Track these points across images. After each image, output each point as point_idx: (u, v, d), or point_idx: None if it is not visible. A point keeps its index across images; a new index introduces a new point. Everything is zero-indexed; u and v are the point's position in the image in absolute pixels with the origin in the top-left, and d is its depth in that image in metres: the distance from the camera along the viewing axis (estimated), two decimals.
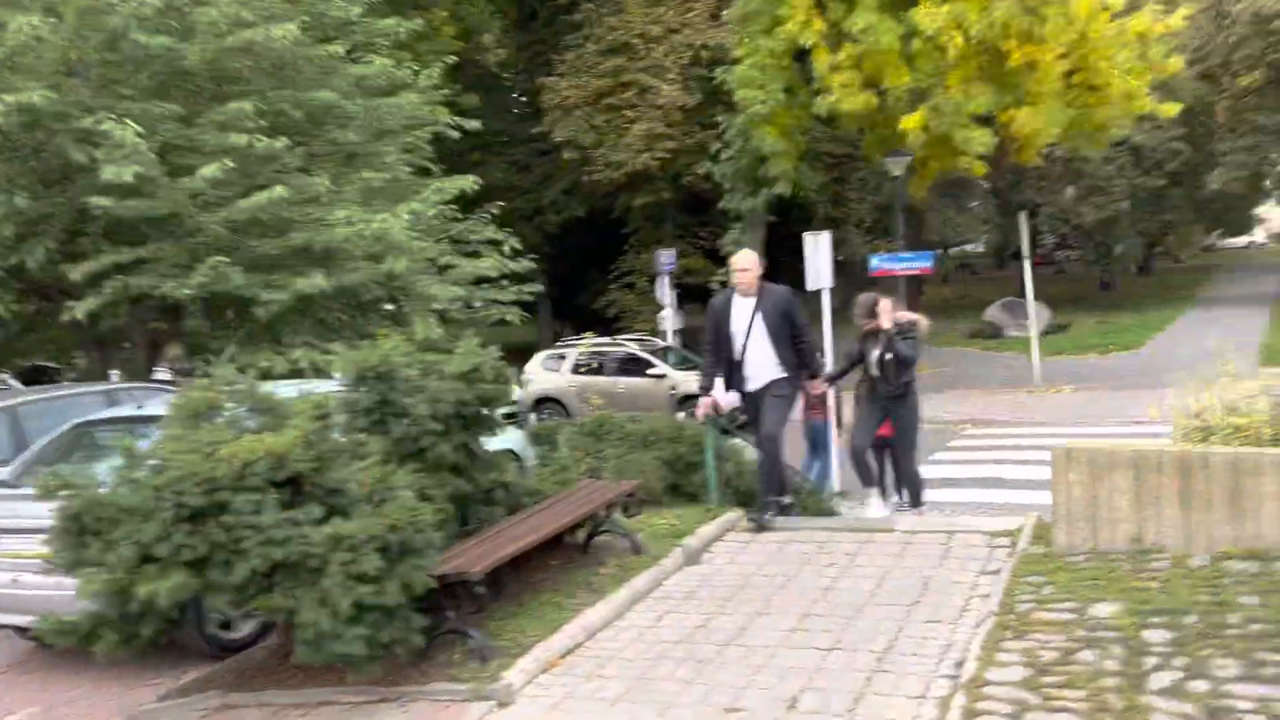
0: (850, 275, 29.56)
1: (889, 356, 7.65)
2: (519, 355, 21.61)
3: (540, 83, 23.40)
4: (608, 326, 26.45)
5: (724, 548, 6.80)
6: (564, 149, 22.99)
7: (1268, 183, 42.27)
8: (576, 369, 18.34)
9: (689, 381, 16.88)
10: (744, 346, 7.27)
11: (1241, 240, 77.69)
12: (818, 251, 11.62)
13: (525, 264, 13.95)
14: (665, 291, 21.10)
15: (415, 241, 10.95)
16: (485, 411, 5.83)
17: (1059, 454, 5.70)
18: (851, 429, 8.37)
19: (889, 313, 7.74)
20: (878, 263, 18.07)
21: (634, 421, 9.76)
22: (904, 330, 7.71)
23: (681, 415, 13.20)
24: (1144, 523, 5.48)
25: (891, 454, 10.88)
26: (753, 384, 7.40)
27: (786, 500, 7.46)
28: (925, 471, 13.94)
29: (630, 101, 21.63)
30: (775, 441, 7.30)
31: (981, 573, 5.74)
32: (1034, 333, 21.13)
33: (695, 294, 25.14)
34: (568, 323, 34.69)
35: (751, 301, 7.21)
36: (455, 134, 13.38)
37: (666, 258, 20.97)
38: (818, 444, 11.79)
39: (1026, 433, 15.88)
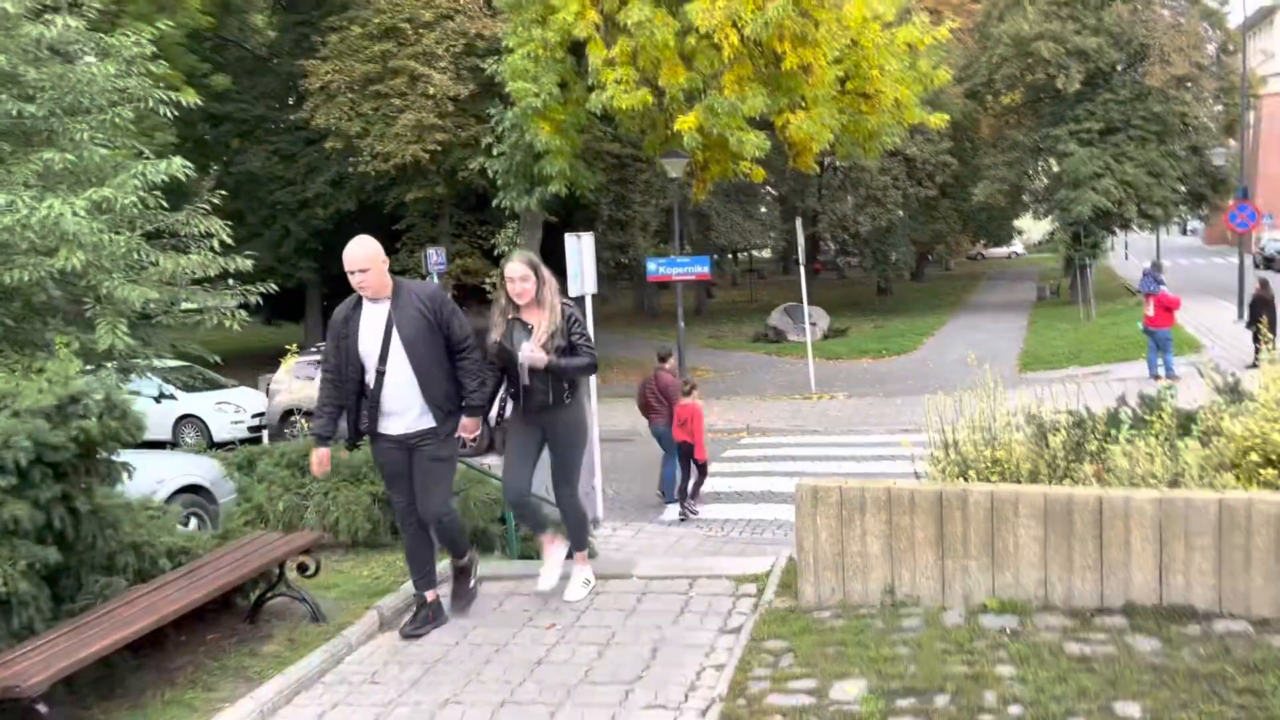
0: (639, 279, 29.09)
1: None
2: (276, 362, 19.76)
3: (301, 65, 21.56)
4: None
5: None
6: (327, 137, 21.26)
7: (1026, 196, 44.96)
8: None
9: None
10: (379, 375, 5.07)
11: (1004, 250, 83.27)
12: (581, 253, 10.73)
13: (243, 261, 12.35)
14: None
15: (103, 234, 9.27)
16: (98, 455, 4.51)
17: (804, 493, 4.97)
18: (504, 468, 5.70)
19: (554, 292, 5.43)
20: (655, 267, 17.48)
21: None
22: (571, 322, 5.41)
23: None
24: (898, 571, 4.81)
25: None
26: (395, 427, 5.15)
27: (463, 562, 5.52)
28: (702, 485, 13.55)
29: (399, 89, 20.18)
30: (448, 523, 5.30)
31: (722, 630, 4.95)
32: (809, 340, 21.13)
33: (475, 295, 23.92)
34: None
35: (384, 309, 5.15)
36: (173, 112, 11.58)
37: (436, 257, 19.69)
38: (665, 446, 12.23)
39: (799, 441, 15.64)
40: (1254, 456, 4.52)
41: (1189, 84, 36.36)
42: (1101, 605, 4.46)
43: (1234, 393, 6.03)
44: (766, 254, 73.70)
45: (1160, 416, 5.30)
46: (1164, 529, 4.34)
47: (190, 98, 20.88)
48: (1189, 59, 35.78)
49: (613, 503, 12.72)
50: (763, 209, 50.22)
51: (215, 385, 18.96)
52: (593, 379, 11.22)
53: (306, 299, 30.32)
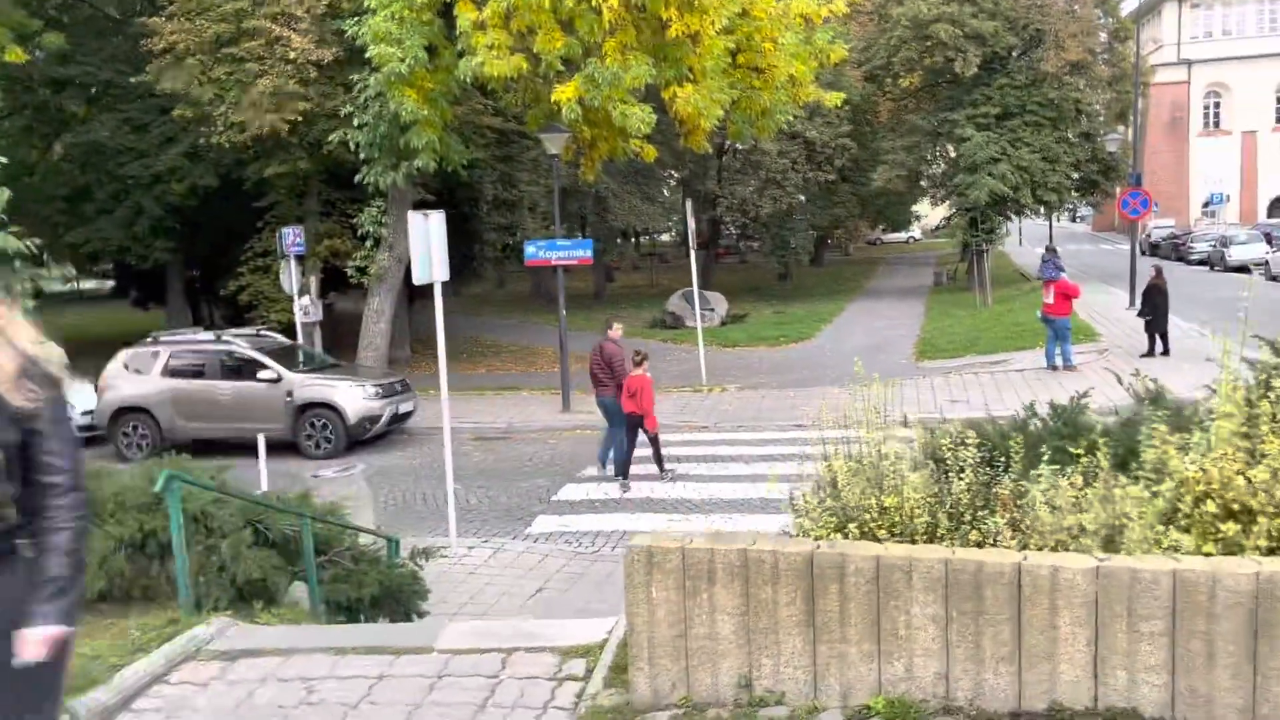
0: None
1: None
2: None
3: (143, 23, 19.50)
4: (242, 316, 22.96)
5: (167, 696, 4.39)
6: (175, 105, 19.27)
7: (924, 181, 44.78)
8: (170, 371, 15.03)
9: (312, 386, 14.18)
10: None
11: (902, 235, 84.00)
12: (429, 234, 9.36)
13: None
14: (292, 276, 18.10)
15: None
16: None
17: (636, 558, 3.77)
18: None
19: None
20: (534, 250, 16.17)
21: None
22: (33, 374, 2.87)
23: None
24: (756, 659, 3.65)
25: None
26: None
27: None
28: (576, 491, 12.32)
29: (256, 53, 18.33)
30: None
31: None
32: (699, 327, 20.04)
33: (344, 279, 22.23)
34: (219, 310, 30.46)
35: None
36: None
37: (294, 236, 17.98)
38: (610, 418, 12.24)
39: (685, 440, 14.54)
40: (1210, 506, 3.47)
41: (1082, 70, 36.42)
42: (1019, 708, 3.38)
43: (1158, 403, 5.05)
44: (669, 237, 73.00)
45: (1087, 444, 4.25)
46: (1101, 608, 3.27)
47: (15, 57, 18.94)
48: (1083, 45, 35.83)
49: (474, 513, 11.41)
50: (665, 192, 49.23)
51: None
52: (442, 367, 9.94)
53: (168, 281, 28.11)
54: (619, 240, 45.97)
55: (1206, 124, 61.75)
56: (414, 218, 9.29)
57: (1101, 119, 37.94)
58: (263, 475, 9.85)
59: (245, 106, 18.32)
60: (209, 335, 15.43)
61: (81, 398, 15.76)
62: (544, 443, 15.10)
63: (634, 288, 50.77)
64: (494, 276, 42.36)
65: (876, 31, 38.90)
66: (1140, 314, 19.24)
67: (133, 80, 20.11)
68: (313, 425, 14.53)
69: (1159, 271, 19.33)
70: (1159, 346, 18.44)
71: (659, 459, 12.17)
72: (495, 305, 43.66)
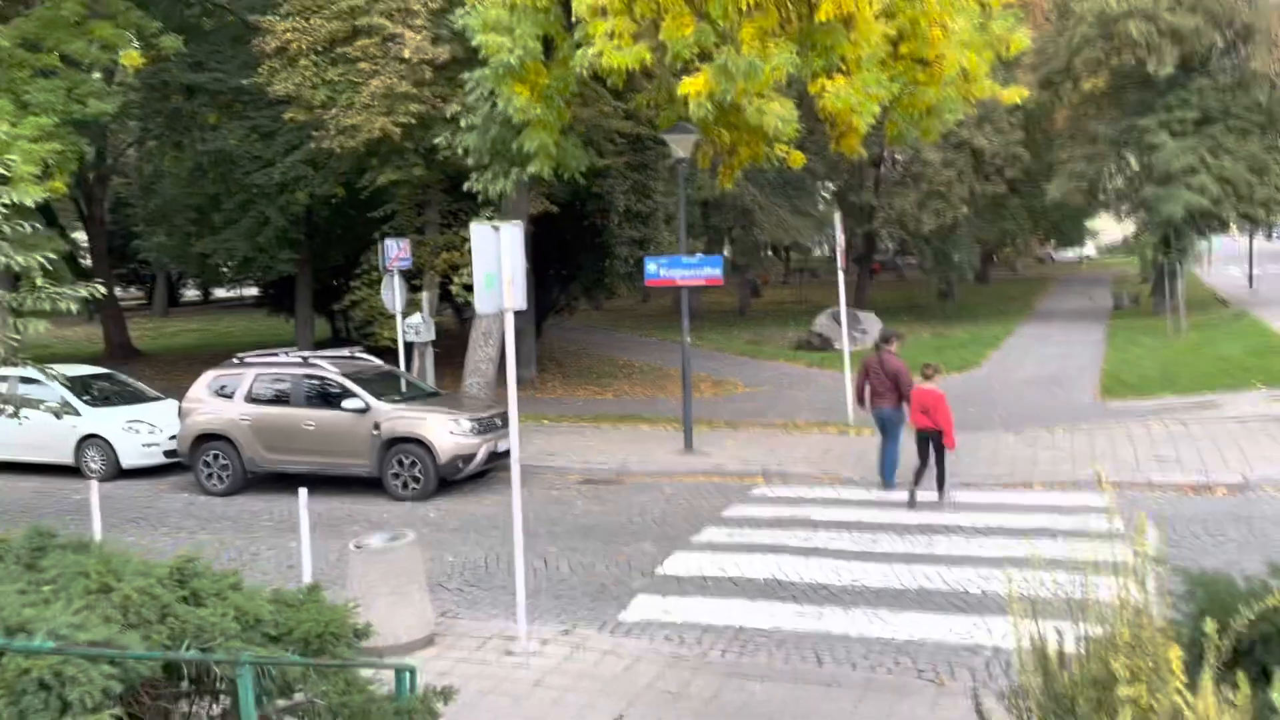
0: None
1: None
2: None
3: (256, 22, 18.53)
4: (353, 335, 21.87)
5: None
6: (288, 107, 18.21)
7: (1103, 194, 40.67)
8: (253, 397, 13.71)
9: (401, 419, 12.58)
10: None
11: (1074, 253, 78.33)
12: (499, 251, 7.46)
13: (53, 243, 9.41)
14: (395, 293, 16.65)
15: None
16: None
17: None
18: None
19: None
20: (655, 269, 14.19)
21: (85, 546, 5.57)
22: None
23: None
24: None
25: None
26: None
27: None
28: (688, 563, 10.22)
29: (370, 52, 17.07)
30: None
31: None
32: (846, 353, 17.60)
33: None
34: (352, 324, 29.81)
35: None
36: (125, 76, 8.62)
37: (398, 250, 16.55)
38: (887, 430, 12.25)
39: (825, 498, 12.21)
40: None
41: None
42: None
43: None
44: (821, 252, 70.06)
45: None
46: None
47: (131, 61, 18.25)
48: None
49: (562, 586, 9.44)
50: (820, 205, 46.67)
51: (137, 398, 16.04)
52: (512, 405, 8.05)
53: (296, 292, 27.48)
54: (765, 254, 43.57)
55: None
56: (479, 231, 7.42)
57: None
58: (305, 544, 8.16)
59: (357, 109, 17.05)
60: (296, 358, 14.05)
61: (167, 420, 14.70)
62: (658, 490, 13.05)
63: (780, 304, 48.29)
64: (636, 291, 40.74)
65: (1054, 31, 35.37)
66: None
67: (245, 83, 19.20)
68: (400, 463, 12.92)
69: None
70: None
71: (941, 480, 11.61)
72: (635, 321, 42.03)
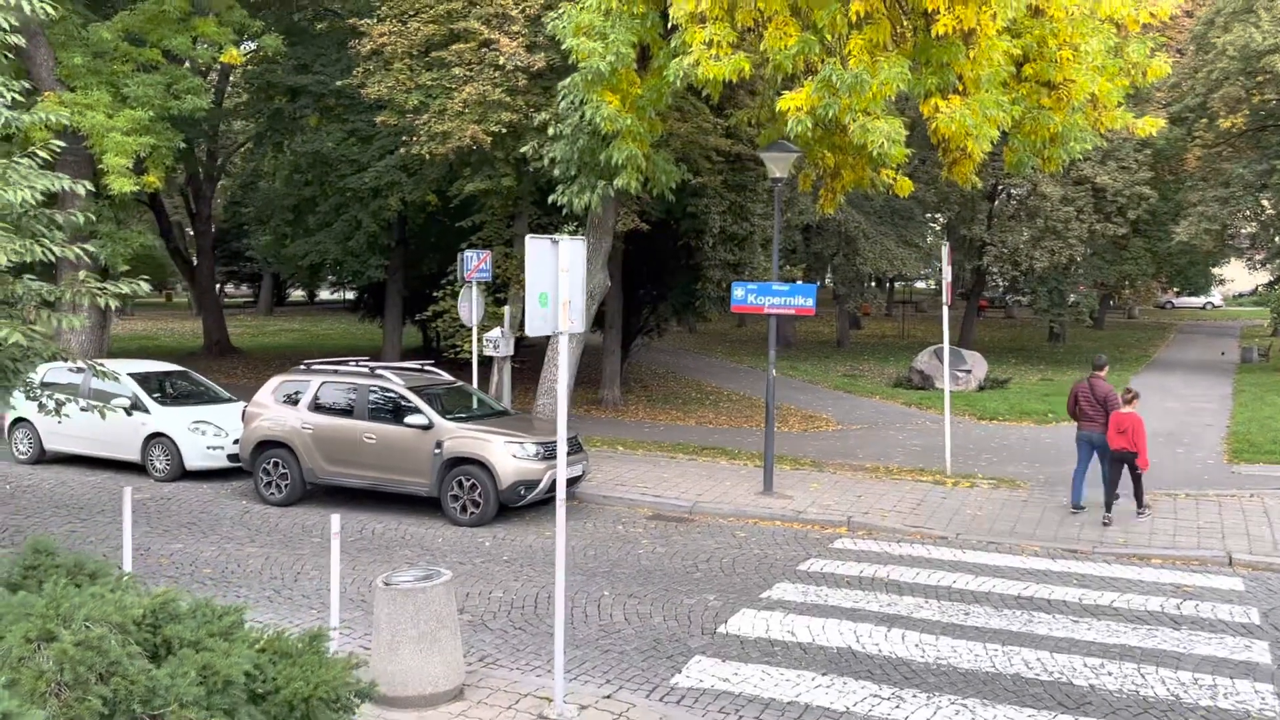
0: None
1: None
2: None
3: (353, 24, 18.27)
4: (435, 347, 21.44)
5: None
6: (381, 111, 17.90)
7: (1235, 240, 38.19)
8: (317, 406, 13.23)
9: (464, 438, 11.94)
10: None
11: (1198, 300, 74.48)
12: (557, 268, 6.70)
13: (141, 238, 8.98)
14: (473, 306, 16.08)
15: None
16: None
17: None
18: None
19: None
20: (742, 294, 13.28)
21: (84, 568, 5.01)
22: None
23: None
24: None
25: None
26: None
27: None
28: (754, 623, 9.36)
29: (465, 58, 16.61)
30: None
31: None
32: (947, 395, 16.36)
33: None
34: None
35: None
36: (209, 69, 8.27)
37: (477, 261, 15.98)
38: (1093, 453, 12.85)
39: (914, 556, 11.09)
40: None
41: None
42: None
43: None
44: (927, 285, 68.03)
45: None
46: None
47: (231, 58, 18.17)
48: None
49: (614, 639, 8.57)
50: (928, 237, 45.06)
51: (208, 398, 15.78)
52: (561, 439, 7.23)
53: (386, 299, 27.34)
54: (868, 284, 42.12)
55: None
56: (535, 245, 6.65)
57: None
58: (335, 577, 7.48)
59: (450, 115, 16.59)
60: (363, 367, 13.54)
61: (234, 423, 14.36)
62: (731, 534, 12.09)
63: (882, 337, 46.75)
64: (728, 315, 39.85)
65: (1191, 65, 33.34)
66: None
67: (338, 84, 18.99)
68: (460, 484, 12.25)
69: None
70: None
71: (1139, 495, 12.63)
72: (728, 346, 41.05)
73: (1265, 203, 33.78)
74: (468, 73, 16.58)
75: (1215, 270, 57.69)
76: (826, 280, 42.69)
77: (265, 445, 13.27)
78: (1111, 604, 9.41)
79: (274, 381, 13.77)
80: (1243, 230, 37.32)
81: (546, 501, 12.87)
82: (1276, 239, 32.59)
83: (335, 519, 7.69)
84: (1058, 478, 15.72)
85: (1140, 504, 12.65)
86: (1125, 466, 12.38)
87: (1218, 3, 33.02)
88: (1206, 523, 12.32)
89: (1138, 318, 62.82)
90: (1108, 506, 12.50)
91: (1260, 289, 41.50)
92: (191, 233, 34.83)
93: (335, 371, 13.50)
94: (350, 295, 41.43)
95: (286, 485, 13.13)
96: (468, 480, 12.23)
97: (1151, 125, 14.19)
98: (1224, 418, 23.13)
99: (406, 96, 17.19)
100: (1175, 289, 67.14)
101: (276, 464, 13.16)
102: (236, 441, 14.03)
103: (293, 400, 13.39)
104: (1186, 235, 33.66)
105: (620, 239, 19.20)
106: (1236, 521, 12.30)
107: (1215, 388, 29.20)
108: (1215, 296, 76.60)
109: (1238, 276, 64.75)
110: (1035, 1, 12.48)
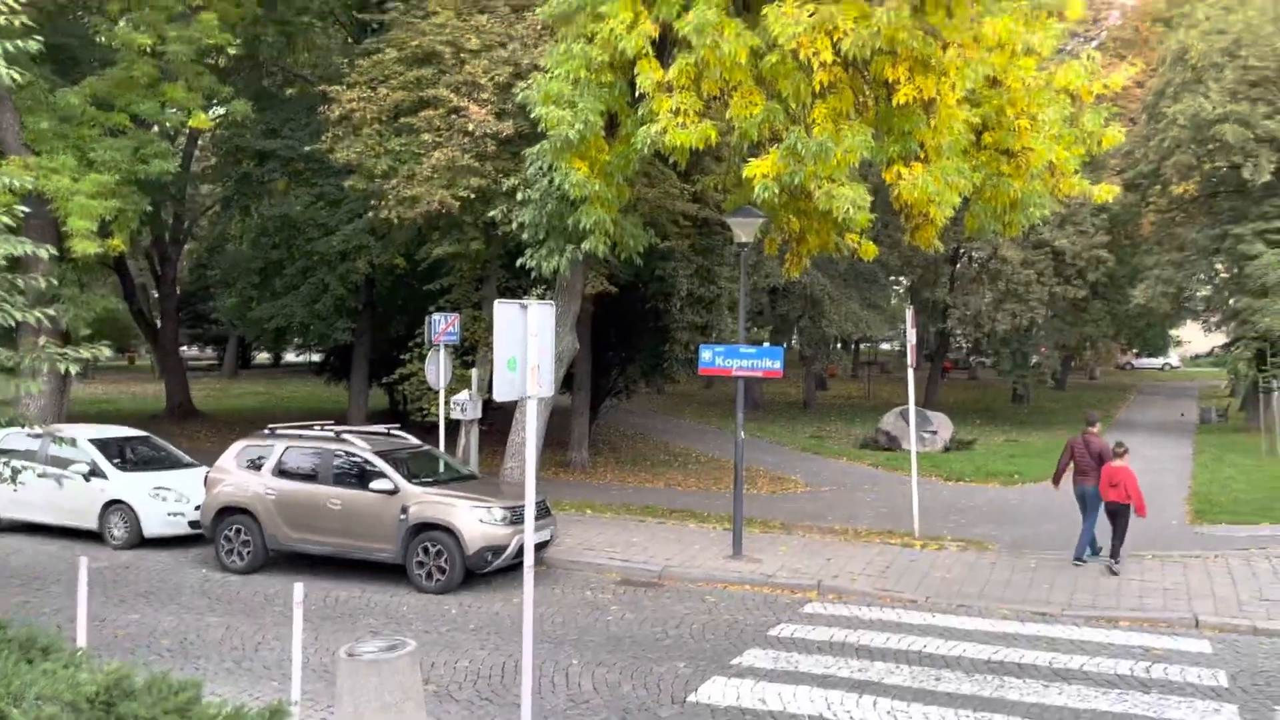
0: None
1: None
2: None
3: (323, 90, 18.42)
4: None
5: None
6: (350, 175, 17.96)
7: (1192, 303, 39.00)
8: (281, 470, 13.06)
9: (429, 503, 11.82)
10: None
11: (1156, 361, 75.75)
12: (525, 332, 6.70)
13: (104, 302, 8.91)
14: (440, 369, 16.04)
15: None
16: None
17: None
18: None
19: None
20: (710, 357, 13.34)
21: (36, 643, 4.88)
22: None
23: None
24: None
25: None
26: None
27: None
28: (724, 691, 8.66)
29: (434, 124, 16.76)
30: None
31: None
32: (914, 457, 16.44)
33: None
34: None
35: None
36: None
37: (445, 324, 15.97)
38: (1090, 506, 13.38)
39: (884, 620, 11.02)
40: None
41: None
42: None
43: None
44: (891, 346, 68.78)
45: None
46: None
47: (200, 123, 18.23)
48: None
49: (582, 709, 8.42)
50: (892, 299, 45.68)
51: (169, 463, 15.53)
52: (529, 505, 7.19)
53: (353, 361, 27.18)
54: (833, 346, 42.49)
55: None
56: (504, 310, 6.66)
57: None
58: (296, 648, 7.32)
59: (418, 180, 16.70)
60: (328, 431, 13.40)
61: (196, 488, 14.12)
62: (701, 599, 11.98)
63: (848, 399, 47.00)
64: (697, 377, 39.99)
65: (1144, 133, 34.30)
66: None
67: (307, 148, 19.08)
68: (425, 550, 12.09)
69: None
70: None
71: (1117, 550, 13.03)
72: (697, 408, 41.09)
73: (1219, 266, 34.55)
74: (437, 138, 16.73)
75: (1173, 332, 58.81)
76: (793, 342, 43.03)
77: (227, 511, 13.04)
78: (1082, 668, 9.39)
79: (237, 446, 13.59)
80: (1198, 293, 38.08)
81: (514, 567, 12.69)
82: (1230, 302, 33.23)
83: (298, 587, 7.55)
84: (1025, 539, 15.79)
85: (1115, 558, 13.00)
86: (1118, 516, 12.88)
87: (1167, 74, 34.09)
88: (1173, 584, 12.39)
89: (1099, 379, 63.76)
90: (1114, 555, 12.97)
91: (1216, 350, 42.33)
92: (156, 295, 34.55)
93: (300, 436, 13.35)
94: (316, 357, 41.25)
95: (249, 552, 12.89)
96: (434, 546, 12.07)
97: (1108, 192, 14.57)
98: (1186, 478, 23.38)
99: (375, 161, 17.30)
100: (1134, 350, 68.30)
101: (239, 530, 12.93)
102: (198, 508, 13.78)
103: (256, 465, 13.21)
104: (1144, 298, 34.33)
105: (589, 301, 19.28)
106: (1202, 583, 12.38)
107: (1176, 448, 29.57)
108: (1173, 358, 77.96)
109: (1194, 338, 65.96)
110: (993, 72, 12.82)
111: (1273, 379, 29.54)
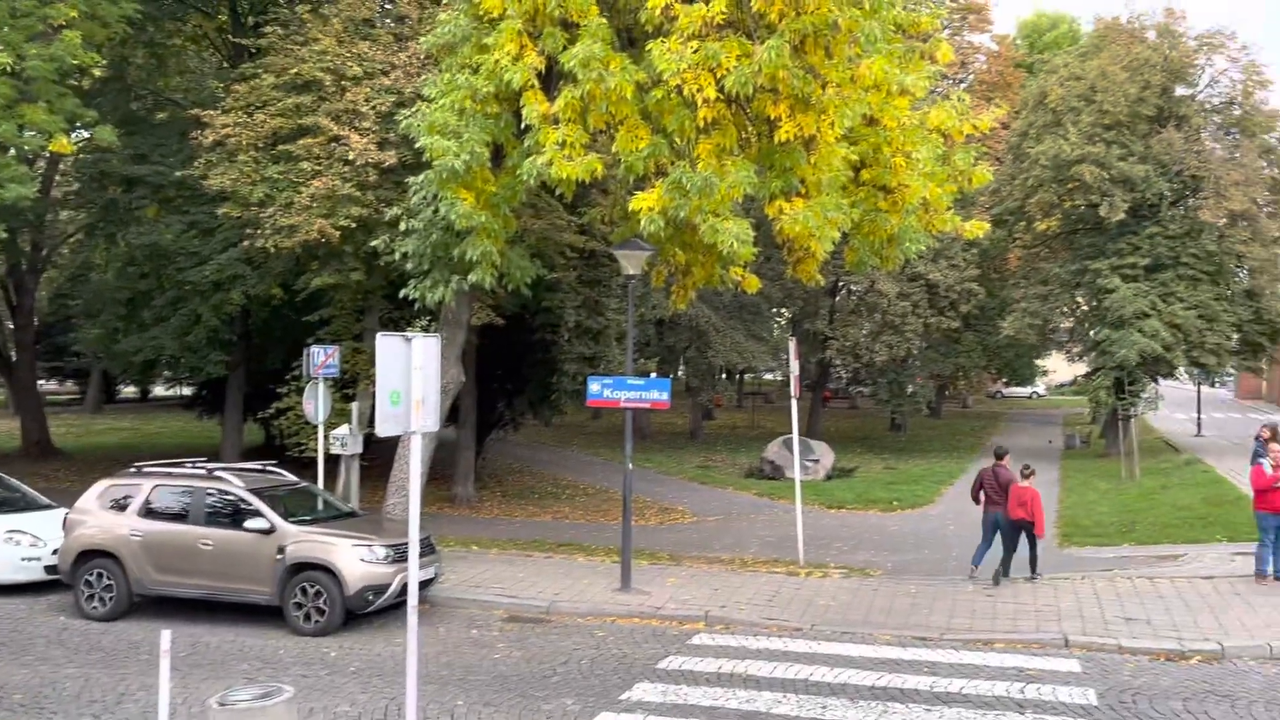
0: None
1: None
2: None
3: (196, 115, 17.83)
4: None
5: None
6: (224, 203, 17.38)
7: (1058, 334, 40.94)
8: (149, 510, 12.45)
9: (307, 543, 11.41)
10: None
11: (1025, 390, 79.05)
12: (408, 365, 6.53)
13: None
14: (319, 403, 15.59)
15: None
16: None
17: None
18: None
19: None
20: (597, 389, 13.32)
21: None
22: None
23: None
24: None
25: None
26: None
27: None
28: None
29: (313, 152, 16.39)
30: None
31: None
32: (798, 486, 16.71)
33: None
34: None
35: None
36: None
37: (324, 356, 15.54)
38: (998, 531, 14.10)
39: (771, 650, 11.09)
40: None
41: (1246, 222, 32.68)
42: None
43: None
44: (775, 376, 69.98)
45: None
46: None
47: (61, 148, 17.42)
48: (1246, 195, 32.15)
49: None
50: (775, 331, 46.53)
51: (24, 505, 14.64)
52: (413, 540, 7.01)
53: (227, 396, 26.20)
54: (719, 377, 43.01)
55: None
56: (386, 343, 6.50)
57: (1270, 275, 33.74)
58: (163, 698, 6.92)
59: (296, 209, 16.27)
60: (200, 469, 12.85)
61: (53, 531, 13.32)
62: (589, 634, 11.86)
63: (734, 428, 47.57)
64: (585, 409, 39.93)
65: (1010, 172, 35.98)
66: None
67: (179, 175, 18.42)
68: (304, 591, 11.66)
69: None
70: None
71: (1034, 563, 13.97)
72: (585, 439, 40.98)
73: (1080, 299, 36.37)
74: (316, 167, 16.36)
75: (1039, 362, 61.57)
76: (680, 373, 43.41)
77: (88, 555, 12.34)
78: (961, 690, 9.61)
79: (100, 485, 12.90)
80: (1061, 325, 39.98)
81: (397, 606, 12.32)
82: (1091, 333, 34.95)
83: (165, 634, 7.17)
84: (906, 565, 16.18)
85: (1034, 570, 13.92)
86: (1024, 535, 13.85)
87: (1030, 116, 35.90)
88: (1044, 605, 12.82)
89: (971, 407, 66.10)
90: (1005, 571, 13.88)
91: (1079, 379, 44.43)
92: (12, 326, 32.70)
93: (169, 474, 12.76)
94: (187, 391, 39.65)
95: (111, 598, 12.20)
96: (312, 587, 11.65)
97: (978, 228, 15.13)
98: (1054, 503, 24.34)
99: (251, 189, 16.80)
100: (1004, 380, 71.14)
101: (100, 575, 12.24)
102: (56, 552, 12.99)
103: (121, 505, 12.55)
104: (1012, 329, 35.85)
105: (474, 333, 19.08)
106: (1071, 604, 12.85)
107: (1045, 473, 30.70)
108: (1040, 386, 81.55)
109: (1059, 367, 69.22)
110: (870, 111, 13.19)
111: (1130, 407, 31.18)
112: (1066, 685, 9.81)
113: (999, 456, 14.77)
